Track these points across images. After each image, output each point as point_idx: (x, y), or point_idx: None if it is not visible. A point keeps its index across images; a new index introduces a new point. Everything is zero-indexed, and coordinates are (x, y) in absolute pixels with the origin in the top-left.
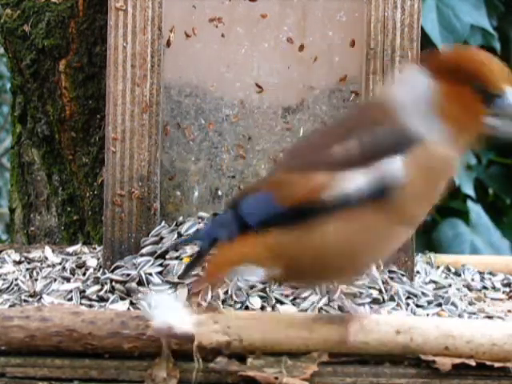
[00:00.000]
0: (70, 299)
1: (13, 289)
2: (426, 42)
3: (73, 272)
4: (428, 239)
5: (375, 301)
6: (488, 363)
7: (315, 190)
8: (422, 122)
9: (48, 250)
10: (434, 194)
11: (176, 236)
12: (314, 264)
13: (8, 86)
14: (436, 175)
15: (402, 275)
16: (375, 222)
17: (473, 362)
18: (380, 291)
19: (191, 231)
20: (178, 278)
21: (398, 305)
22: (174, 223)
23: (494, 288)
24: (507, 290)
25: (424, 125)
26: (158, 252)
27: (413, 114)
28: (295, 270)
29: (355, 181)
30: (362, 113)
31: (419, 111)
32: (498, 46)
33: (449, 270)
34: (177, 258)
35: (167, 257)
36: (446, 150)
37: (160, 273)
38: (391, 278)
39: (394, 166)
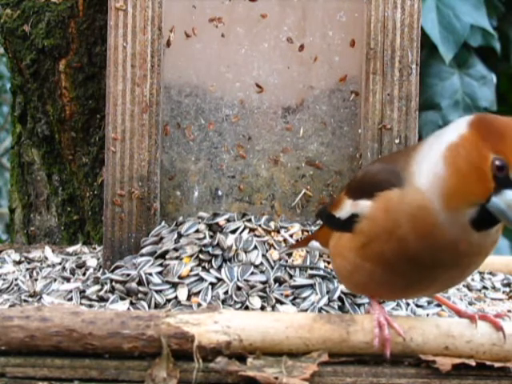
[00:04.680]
0: (70, 299)
1: (13, 289)
2: (425, 42)
3: (73, 272)
4: None
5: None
6: (488, 363)
7: (335, 207)
8: (422, 168)
9: (48, 250)
10: (415, 245)
11: (176, 236)
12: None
13: (8, 85)
14: (400, 219)
15: None
16: (346, 247)
17: (473, 362)
18: None
19: (191, 231)
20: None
21: (397, 305)
22: (174, 223)
23: (493, 288)
24: (507, 289)
25: (422, 173)
26: (158, 252)
27: (422, 160)
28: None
29: (345, 209)
30: (399, 151)
31: (429, 156)
32: (497, 46)
33: None
34: (177, 258)
35: (167, 257)
36: (424, 201)
37: (160, 273)
38: None
39: (364, 204)
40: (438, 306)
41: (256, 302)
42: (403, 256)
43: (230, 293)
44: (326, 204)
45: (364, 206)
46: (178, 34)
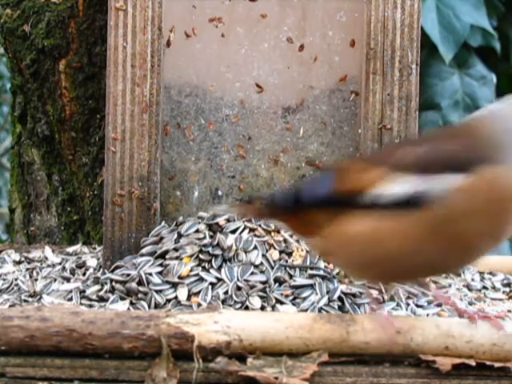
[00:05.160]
0: (70, 299)
1: (13, 289)
2: (425, 42)
3: (73, 272)
4: None
5: (375, 300)
6: (488, 363)
7: (366, 184)
8: None
9: (48, 250)
10: (499, 221)
11: (176, 236)
12: (340, 254)
13: (8, 85)
14: (502, 200)
15: None
16: (410, 230)
17: (473, 362)
18: (380, 291)
19: (191, 231)
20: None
21: (398, 305)
22: (174, 223)
23: (493, 288)
24: (507, 289)
25: None
26: (158, 252)
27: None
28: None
29: (399, 185)
30: (451, 129)
31: None
32: (497, 46)
33: None
34: (177, 258)
35: (167, 257)
36: None
37: (160, 273)
38: None
39: (445, 182)
40: (438, 305)
41: (256, 301)
42: (496, 227)
43: (230, 293)
44: (300, 187)
45: (454, 179)
46: (178, 34)
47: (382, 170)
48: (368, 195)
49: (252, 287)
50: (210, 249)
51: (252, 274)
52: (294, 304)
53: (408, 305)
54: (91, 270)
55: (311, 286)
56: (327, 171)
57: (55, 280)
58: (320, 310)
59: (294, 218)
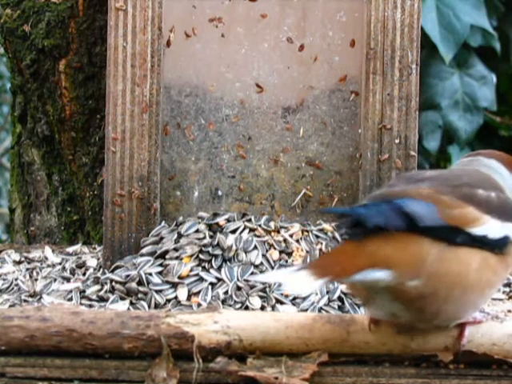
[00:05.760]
0: (70, 299)
1: (13, 289)
2: (425, 42)
3: (73, 272)
4: None
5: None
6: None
7: (467, 221)
8: None
9: (48, 250)
10: None
11: (176, 236)
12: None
13: (8, 85)
14: None
15: None
16: (499, 268)
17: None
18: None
19: (191, 231)
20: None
21: None
22: (174, 223)
23: None
24: (507, 290)
25: None
26: (158, 252)
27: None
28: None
29: (494, 227)
30: (475, 172)
31: None
32: (497, 46)
33: None
34: (177, 258)
35: (167, 257)
36: None
37: (160, 273)
38: None
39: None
40: None
41: (256, 302)
42: None
43: (229, 293)
44: (405, 209)
45: None
46: (178, 34)
47: (476, 210)
48: (476, 232)
49: (252, 287)
50: (209, 249)
51: (252, 274)
52: (293, 304)
53: None
54: (91, 270)
55: None
56: (413, 198)
57: (55, 280)
58: (320, 309)
59: (397, 249)
